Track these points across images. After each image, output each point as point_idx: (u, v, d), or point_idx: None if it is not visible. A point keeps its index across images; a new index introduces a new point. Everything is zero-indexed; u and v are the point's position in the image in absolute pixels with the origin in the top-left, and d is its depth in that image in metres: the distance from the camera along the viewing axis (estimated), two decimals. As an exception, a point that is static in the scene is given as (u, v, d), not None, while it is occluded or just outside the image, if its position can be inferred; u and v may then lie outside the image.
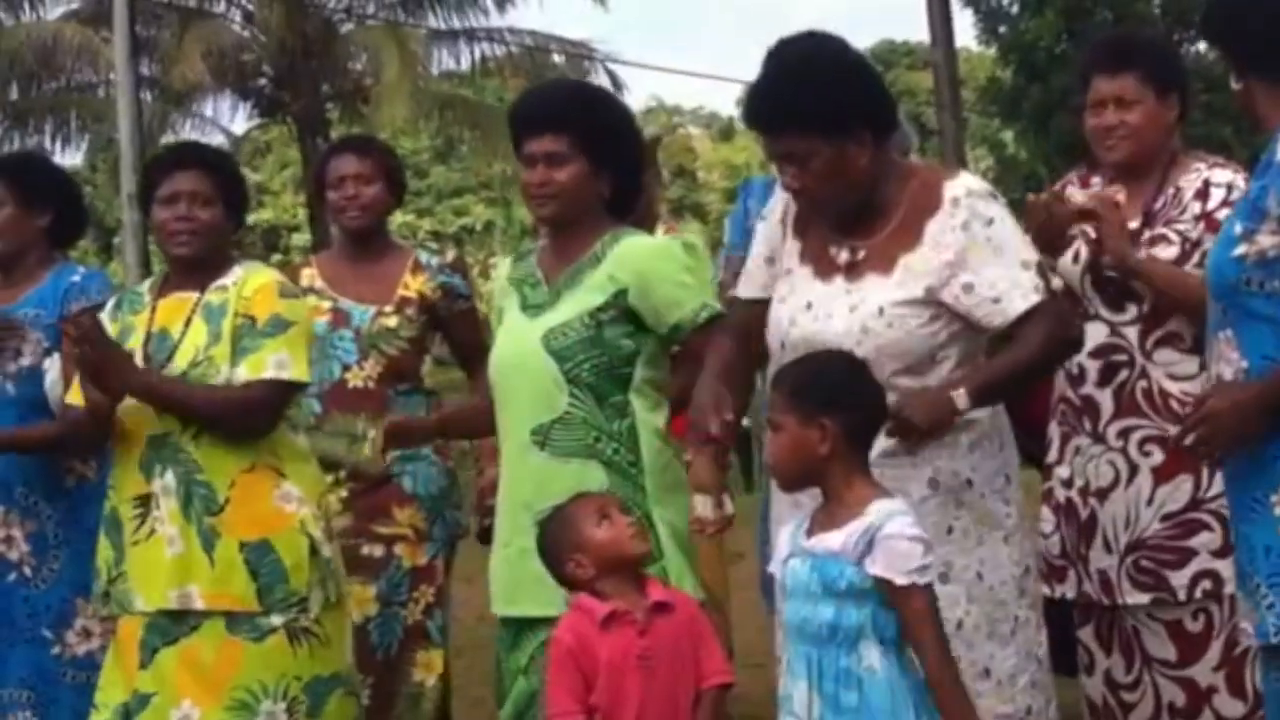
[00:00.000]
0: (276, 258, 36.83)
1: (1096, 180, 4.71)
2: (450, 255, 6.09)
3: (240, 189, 4.92)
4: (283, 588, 4.66)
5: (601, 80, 29.04)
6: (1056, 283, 4.11)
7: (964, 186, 4.06)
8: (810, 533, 3.77)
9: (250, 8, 27.49)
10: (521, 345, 4.43)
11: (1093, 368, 4.50)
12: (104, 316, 4.84)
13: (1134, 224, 4.48)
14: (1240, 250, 3.56)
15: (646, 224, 5.07)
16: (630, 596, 4.03)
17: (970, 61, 38.53)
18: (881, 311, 4.00)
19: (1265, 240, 3.54)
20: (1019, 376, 4.04)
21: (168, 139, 27.48)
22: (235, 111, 29.00)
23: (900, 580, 3.61)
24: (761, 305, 4.27)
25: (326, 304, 5.61)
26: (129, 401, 4.65)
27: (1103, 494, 4.52)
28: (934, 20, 19.62)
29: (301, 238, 37.70)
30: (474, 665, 6.95)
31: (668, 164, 50.99)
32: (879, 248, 4.06)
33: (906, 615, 3.63)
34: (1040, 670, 4.09)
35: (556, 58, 28.82)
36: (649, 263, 4.38)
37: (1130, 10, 22.26)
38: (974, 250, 3.98)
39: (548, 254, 4.54)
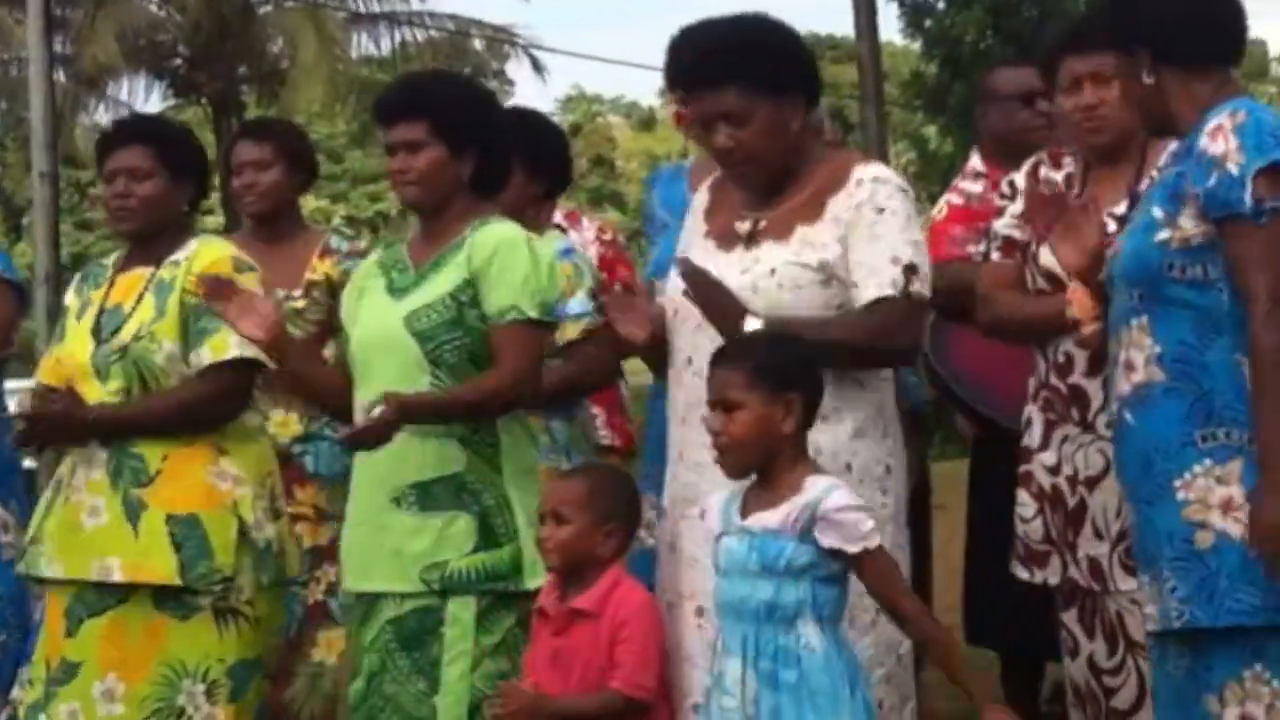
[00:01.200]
0: (246, 224, 36.49)
1: (1068, 160, 4.67)
2: (363, 243, 5.94)
3: (189, 158, 4.89)
4: (206, 564, 4.60)
5: (523, 66, 28.90)
6: (920, 289, 4.06)
7: (874, 172, 4.13)
8: (745, 511, 3.79)
9: (166, -13, 27.25)
10: (384, 326, 4.45)
11: (1081, 357, 4.43)
12: (69, 291, 4.88)
13: (1120, 208, 4.42)
14: (1163, 235, 3.64)
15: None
16: (570, 594, 4.11)
17: (894, 56, 38.54)
18: (773, 272, 4.03)
19: (1188, 226, 3.62)
20: (823, 341, 3.98)
21: (80, 119, 27.20)
22: (149, 92, 28.72)
23: (854, 549, 3.68)
24: None
25: None
26: (77, 368, 4.68)
27: (1092, 482, 4.47)
28: (859, 13, 19.40)
29: (215, 220, 37.35)
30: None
31: (587, 153, 50.96)
32: (780, 218, 4.10)
33: (871, 579, 3.72)
34: (899, 666, 4.09)
35: (478, 43, 28.69)
36: (492, 250, 4.39)
37: (1057, 8, 22.29)
38: (856, 231, 4.03)
39: (417, 239, 4.57)
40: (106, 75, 26.90)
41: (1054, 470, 4.54)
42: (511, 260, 4.38)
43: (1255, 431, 3.55)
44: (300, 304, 5.58)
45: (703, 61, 4.16)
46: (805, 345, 3.90)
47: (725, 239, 4.19)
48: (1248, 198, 3.56)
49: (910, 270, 4.03)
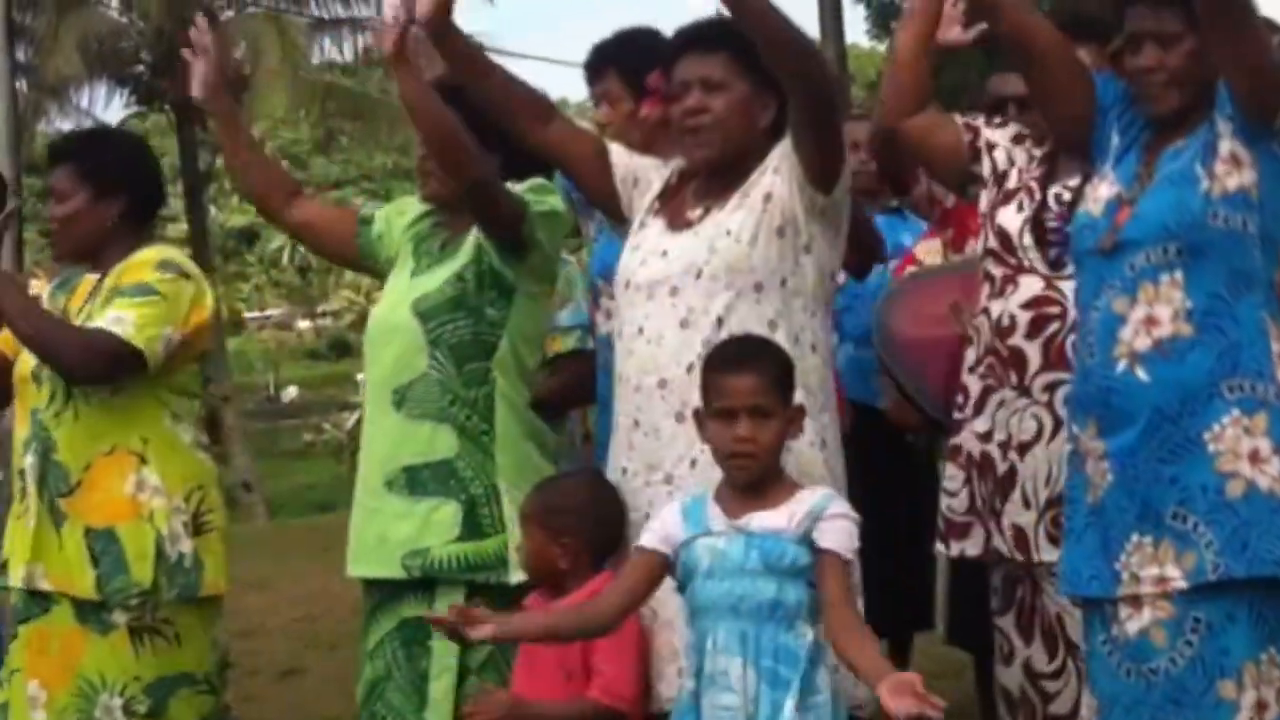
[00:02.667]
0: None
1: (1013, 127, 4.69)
2: (272, 251, 5.79)
3: (115, 172, 4.75)
4: (122, 579, 4.55)
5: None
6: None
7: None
8: (729, 513, 3.80)
9: (128, -6, 27.19)
10: (395, 307, 4.48)
11: (1023, 319, 4.42)
12: (44, 296, 4.85)
13: (1075, 181, 4.36)
14: (1204, 186, 3.69)
15: None
16: (548, 596, 4.14)
17: (860, 58, 38.61)
18: (729, 231, 4.07)
19: (1223, 172, 3.70)
20: (777, 26, 3.95)
21: (41, 128, 27.09)
22: (112, 99, 28.70)
23: (847, 555, 3.76)
24: None
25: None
26: (22, 373, 4.67)
27: (1024, 448, 4.43)
28: (824, 16, 19.51)
29: (178, 228, 37.22)
30: (350, 659, 6.83)
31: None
32: (729, 200, 4.13)
33: (839, 580, 3.75)
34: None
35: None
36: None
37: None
38: (773, 154, 4.09)
39: (443, 216, 4.58)
40: (69, 83, 26.84)
41: (985, 437, 4.50)
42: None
43: None
44: None
45: (699, 27, 4.20)
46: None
47: (676, 223, 4.20)
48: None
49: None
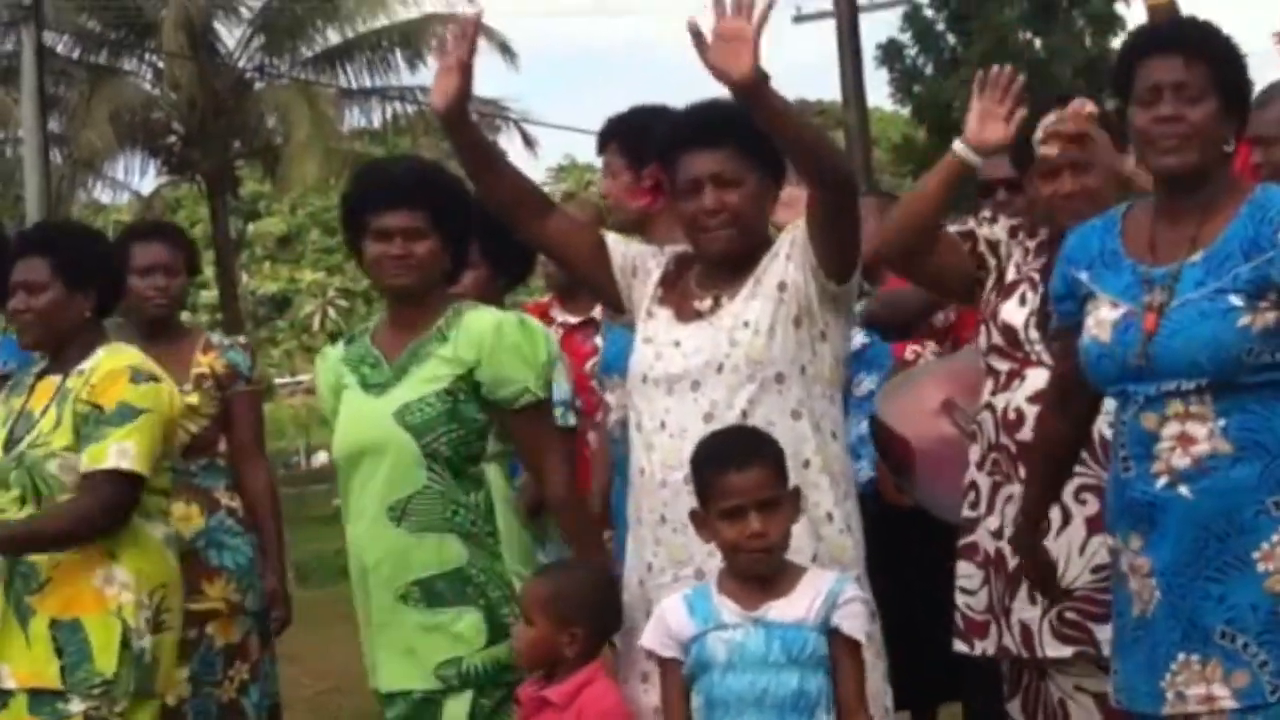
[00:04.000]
0: (185, 315, 36.57)
1: (1002, 221, 4.65)
2: (241, 339, 5.97)
3: (89, 265, 4.80)
4: (87, 668, 4.52)
5: (514, 138, 28.83)
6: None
7: (797, 224, 4.13)
8: (743, 604, 3.76)
9: (160, 65, 27.34)
10: (372, 423, 4.39)
11: (1031, 412, 4.35)
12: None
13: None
14: (1244, 321, 3.54)
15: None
16: (547, 686, 4.09)
17: (884, 120, 38.63)
18: (747, 323, 4.04)
19: (1269, 312, 3.53)
20: (806, 132, 3.99)
21: (76, 197, 27.25)
22: (145, 169, 28.83)
23: (864, 640, 3.75)
24: None
25: None
26: None
27: None
28: (846, 81, 19.71)
29: (210, 295, 37.38)
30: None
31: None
32: (740, 291, 4.11)
33: (856, 674, 3.74)
34: (888, 717, 4.08)
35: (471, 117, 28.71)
36: (489, 338, 4.36)
37: (1044, 72, 22.42)
38: (783, 241, 4.08)
39: (385, 332, 4.53)
40: (102, 154, 26.96)
41: (998, 534, 4.47)
42: (504, 343, 4.38)
43: None
44: (194, 398, 5.52)
45: (699, 120, 4.16)
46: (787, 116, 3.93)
47: (683, 312, 4.17)
48: None
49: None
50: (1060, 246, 4.13)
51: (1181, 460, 3.59)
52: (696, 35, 3.78)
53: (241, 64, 27.84)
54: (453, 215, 4.45)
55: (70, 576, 4.56)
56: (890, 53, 23.86)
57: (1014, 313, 4.46)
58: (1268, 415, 3.56)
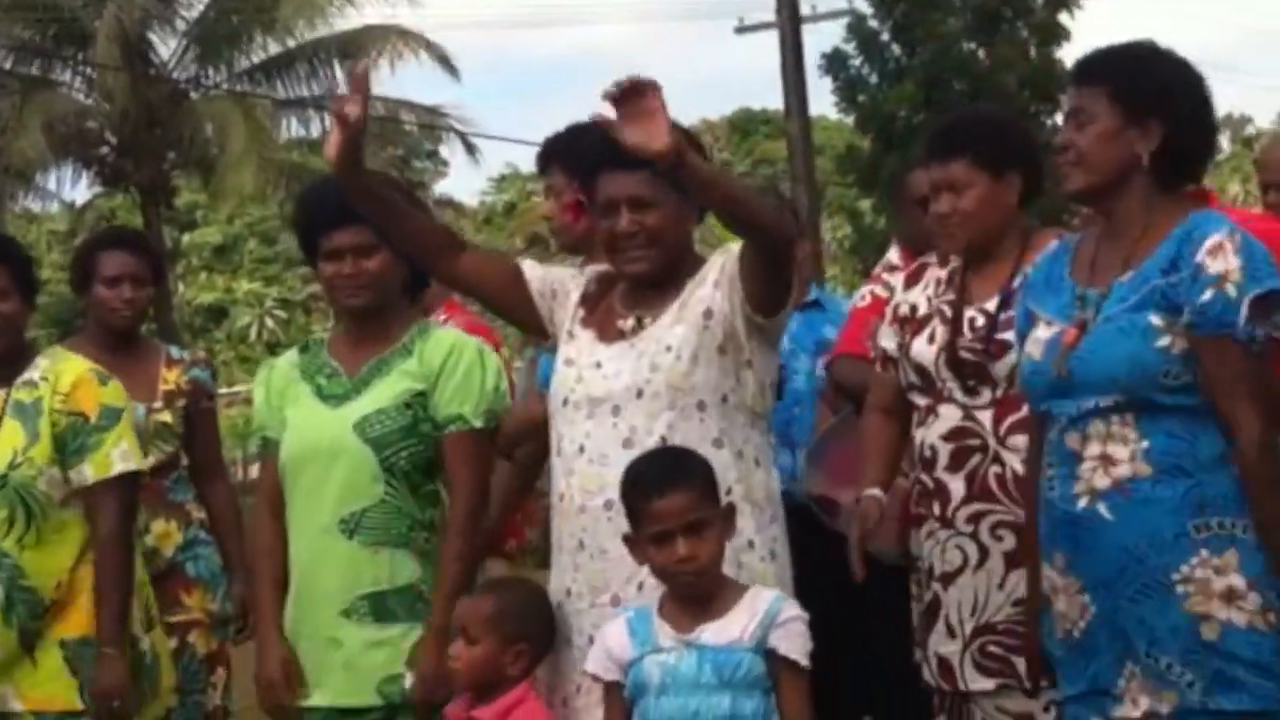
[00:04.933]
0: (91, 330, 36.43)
1: (931, 259, 4.70)
2: (200, 353, 6.15)
3: (34, 279, 4.81)
4: (144, 683, 4.61)
5: (455, 147, 28.88)
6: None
7: (728, 248, 4.14)
8: (678, 627, 3.76)
9: (94, 76, 27.21)
10: (328, 433, 4.35)
11: (944, 451, 4.40)
12: None
13: (991, 304, 4.41)
14: (1163, 342, 3.61)
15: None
16: (478, 705, 4.05)
17: (829, 130, 38.78)
18: (669, 348, 4.03)
19: (1184, 339, 3.60)
20: (735, 195, 4.01)
21: (8, 208, 27.03)
22: (78, 179, 28.67)
23: (804, 662, 3.72)
24: None
25: None
26: None
27: (948, 578, 4.41)
28: (789, 91, 19.68)
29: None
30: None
31: (520, 232, 50.93)
32: (664, 314, 4.11)
33: (798, 695, 3.73)
34: None
35: (408, 127, 28.70)
36: (444, 358, 4.37)
37: (989, 82, 22.50)
38: (712, 266, 4.09)
39: (343, 344, 4.50)
40: (34, 164, 26.83)
41: (917, 567, 4.53)
42: (458, 366, 4.36)
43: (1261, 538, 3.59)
44: (167, 417, 5.54)
45: (618, 143, 4.10)
46: (720, 186, 3.98)
47: (606, 333, 4.16)
48: (1241, 321, 3.56)
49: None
50: (968, 275, 4.40)
51: (1103, 480, 3.65)
52: (608, 124, 3.75)
53: (176, 75, 27.69)
54: None
55: (73, 595, 4.57)
56: (834, 62, 23.94)
57: (924, 351, 4.46)
58: (1190, 439, 3.61)
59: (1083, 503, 3.68)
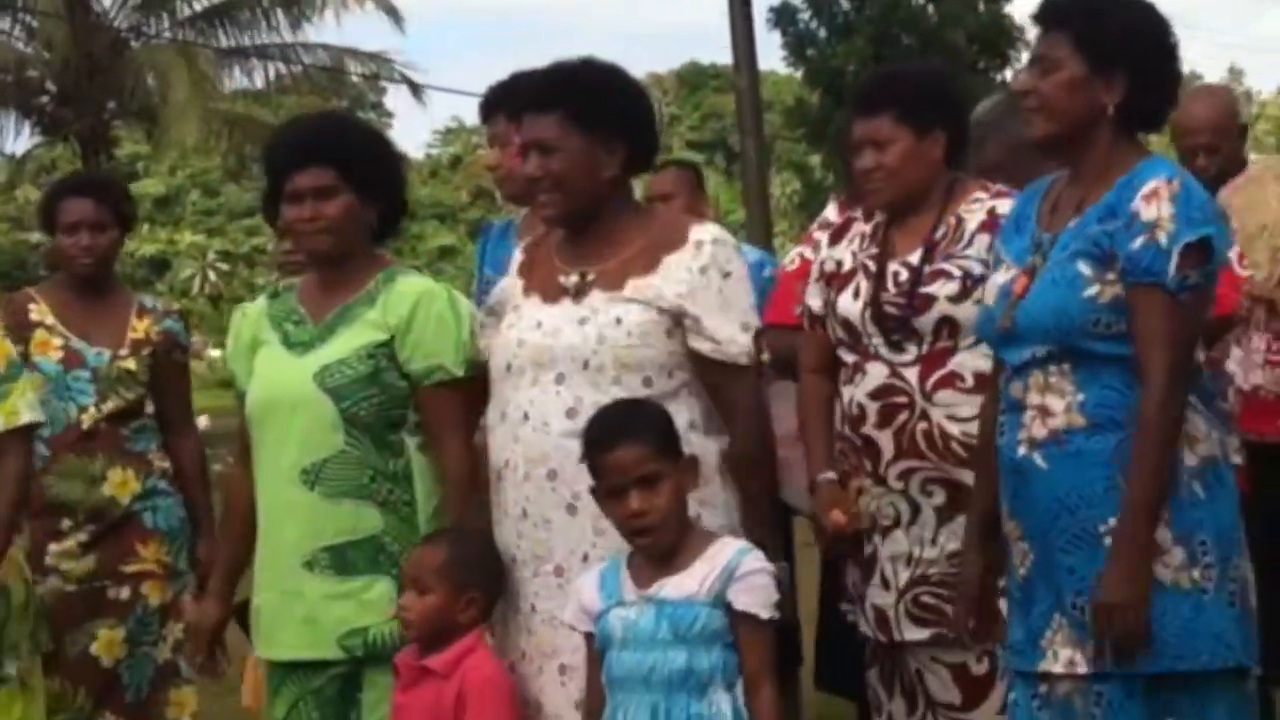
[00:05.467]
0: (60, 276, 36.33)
1: (857, 214, 4.69)
2: (174, 304, 6.25)
3: None
4: (14, 629, 4.64)
5: (401, 96, 28.81)
6: (765, 355, 4.16)
7: (711, 234, 4.12)
8: (641, 580, 3.77)
9: (34, 24, 26.98)
10: (291, 382, 4.30)
11: (872, 409, 4.41)
12: None
13: (914, 257, 4.43)
14: (1091, 291, 3.60)
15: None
16: (425, 654, 4.05)
17: (778, 84, 38.72)
18: (619, 321, 4.03)
19: (1116, 284, 3.58)
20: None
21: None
22: (20, 129, 28.48)
23: (765, 615, 3.72)
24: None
25: (58, 341, 5.56)
26: None
27: (885, 532, 4.43)
28: (738, 44, 19.56)
29: (87, 259, 36.97)
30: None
31: (467, 185, 50.75)
32: (611, 270, 4.10)
33: (757, 651, 3.73)
34: None
35: (354, 77, 28.56)
36: (413, 307, 4.28)
37: (937, 37, 22.52)
38: (704, 295, 4.04)
39: (312, 290, 4.43)
40: (-28, 113, 26.68)
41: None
42: (427, 314, 4.27)
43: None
44: (131, 364, 5.55)
45: (533, 87, 4.20)
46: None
47: (549, 292, 4.15)
48: (1172, 270, 3.54)
49: (758, 336, 4.08)
50: (891, 230, 4.44)
51: (1040, 431, 3.66)
52: None
53: (118, 23, 27.45)
54: (366, 168, 4.32)
55: None
56: (783, 16, 23.99)
57: (849, 306, 4.47)
58: (1124, 391, 3.59)
59: (1022, 451, 3.68)
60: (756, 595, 3.72)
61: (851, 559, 4.50)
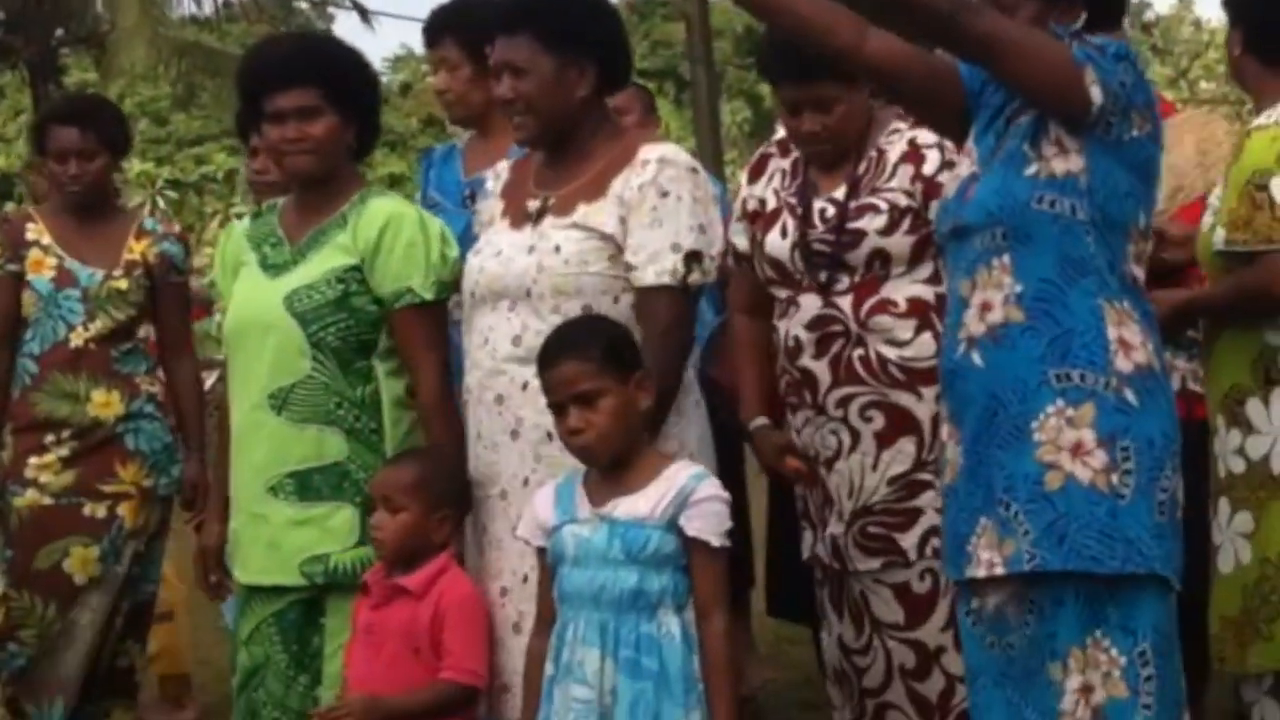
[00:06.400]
0: (10, 206, 35.96)
1: (772, 150, 4.71)
2: (177, 226, 6.27)
3: None
4: None
5: (350, 21, 28.74)
6: (699, 277, 4.11)
7: (660, 153, 4.12)
8: (595, 498, 3.79)
9: (-20, -51, 26.64)
10: (262, 305, 4.33)
11: (808, 340, 4.45)
12: None
13: (839, 193, 4.45)
14: (1031, 170, 3.64)
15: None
16: (396, 574, 4.09)
17: (726, 12, 38.58)
18: (558, 249, 4.05)
19: (1051, 156, 3.63)
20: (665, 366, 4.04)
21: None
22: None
23: (716, 542, 3.74)
24: None
25: (52, 261, 5.61)
26: None
27: (829, 463, 4.49)
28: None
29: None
30: (190, 627, 7.02)
31: (417, 113, 50.46)
32: (565, 195, 4.12)
33: (708, 578, 3.74)
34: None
35: (303, 3, 28.33)
36: (380, 228, 4.29)
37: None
38: (637, 212, 4.03)
39: (291, 212, 4.46)
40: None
41: (805, 450, 4.54)
42: (398, 238, 4.27)
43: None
44: (123, 284, 5.60)
45: (503, 9, 4.20)
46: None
47: (517, 217, 4.18)
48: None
49: (692, 258, 4.02)
50: (811, 166, 4.46)
51: (979, 327, 3.70)
52: None
53: (65, -52, 27.05)
54: (349, 88, 4.34)
55: None
56: (733, -57, 23.65)
57: (778, 245, 4.48)
58: (1063, 287, 3.63)
59: (960, 349, 3.73)
60: (709, 522, 3.76)
61: (808, 487, 4.55)
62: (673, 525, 3.74)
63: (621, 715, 3.71)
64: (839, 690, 4.64)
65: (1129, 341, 3.64)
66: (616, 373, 3.77)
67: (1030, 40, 3.62)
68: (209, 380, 6.51)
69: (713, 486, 3.78)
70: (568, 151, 4.16)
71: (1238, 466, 4.45)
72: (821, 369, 4.43)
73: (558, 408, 3.80)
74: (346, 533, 4.24)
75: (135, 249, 5.68)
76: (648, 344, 4.00)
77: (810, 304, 4.44)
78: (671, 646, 3.73)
